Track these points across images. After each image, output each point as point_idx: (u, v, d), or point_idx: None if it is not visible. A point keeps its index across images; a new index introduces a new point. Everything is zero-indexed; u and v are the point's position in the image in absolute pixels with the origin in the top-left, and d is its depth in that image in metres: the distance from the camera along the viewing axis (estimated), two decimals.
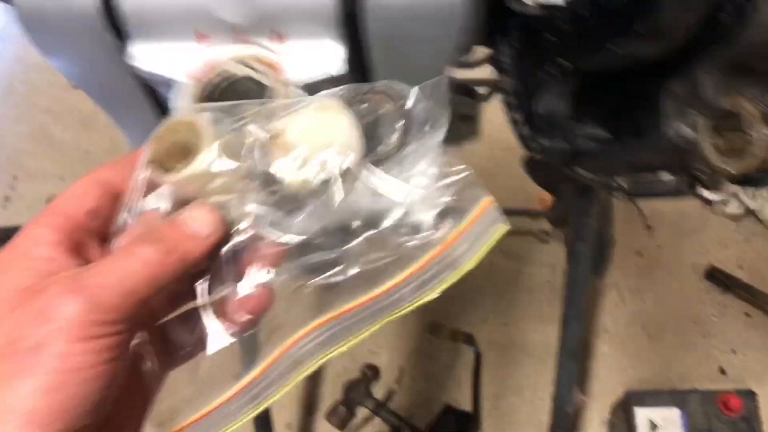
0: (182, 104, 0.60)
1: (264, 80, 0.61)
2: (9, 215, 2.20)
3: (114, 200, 0.48)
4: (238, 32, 0.61)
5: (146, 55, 0.62)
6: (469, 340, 1.88)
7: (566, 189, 1.04)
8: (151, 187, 0.48)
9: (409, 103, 0.54)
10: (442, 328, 1.89)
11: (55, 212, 0.47)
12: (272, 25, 0.60)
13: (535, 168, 0.95)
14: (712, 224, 1.98)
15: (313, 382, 1.90)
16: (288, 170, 0.50)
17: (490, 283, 1.97)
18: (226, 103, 0.53)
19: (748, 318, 1.86)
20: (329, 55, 0.62)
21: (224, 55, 0.62)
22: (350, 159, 0.50)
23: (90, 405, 0.40)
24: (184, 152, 0.49)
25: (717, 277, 1.88)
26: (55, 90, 2.41)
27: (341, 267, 0.51)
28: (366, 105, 0.55)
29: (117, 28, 0.62)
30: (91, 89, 0.69)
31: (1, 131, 2.35)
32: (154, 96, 0.69)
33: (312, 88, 0.62)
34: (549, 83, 0.71)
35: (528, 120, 0.76)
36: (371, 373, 1.91)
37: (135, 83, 0.66)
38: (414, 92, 0.54)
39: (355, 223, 0.51)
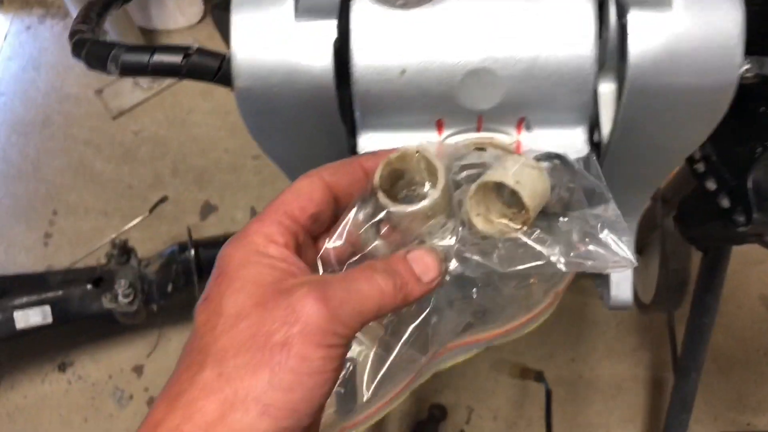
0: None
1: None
2: (49, 253, 2.14)
3: (333, 205, 0.49)
4: (481, 121, 0.58)
5: (376, 145, 0.59)
6: (539, 377, 1.85)
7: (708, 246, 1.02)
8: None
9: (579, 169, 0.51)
10: (511, 366, 1.86)
11: (282, 212, 0.47)
12: (522, 113, 0.57)
13: (690, 224, 0.92)
14: None
15: (379, 423, 1.85)
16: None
17: (555, 316, 1.94)
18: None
19: None
20: (572, 141, 0.59)
21: (460, 142, 0.59)
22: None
23: (313, 408, 0.41)
24: (393, 179, 0.50)
25: None
26: (93, 121, 2.35)
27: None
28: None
29: (346, 108, 0.58)
30: (295, 172, 0.65)
31: (38, 164, 2.29)
32: None
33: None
34: (765, 158, 0.68)
35: (731, 192, 0.73)
36: (439, 413, 1.88)
37: None
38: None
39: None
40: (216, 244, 1.79)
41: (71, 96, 2.41)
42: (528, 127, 0.58)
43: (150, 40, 2.45)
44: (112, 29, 2.18)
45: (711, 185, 0.75)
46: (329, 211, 0.49)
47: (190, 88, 2.40)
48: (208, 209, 2.17)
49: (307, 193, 0.49)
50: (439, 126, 0.58)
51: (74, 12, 2.36)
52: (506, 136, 0.58)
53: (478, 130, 0.58)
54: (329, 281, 0.44)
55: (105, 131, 2.33)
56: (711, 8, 0.53)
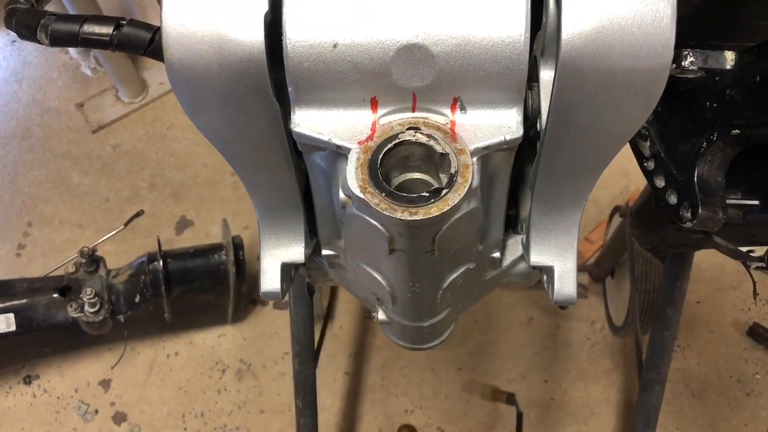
0: (350, 169, 0.57)
1: (436, 146, 0.57)
2: (21, 264, 2.12)
3: None
4: (415, 100, 0.57)
5: (311, 122, 0.58)
6: (511, 399, 1.83)
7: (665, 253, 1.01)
8: None
9: None
10: (483, 387, 1.84)
11: None
12: (456, 93, 0.56)
13: (645, 230, 0.91)
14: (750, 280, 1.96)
15: None
16: None
17: (529, 338, 1.93)
18: None
19: None
20: (506, 122, 0.58)
21: (395, 121, 0.58)
22: None
23: None
24: None
25: (760, 334, 1.85)
26: (73, 134, 2.34)
27: None
28: None
29: (282, 90, 0.58)
30: (231, 151, 0.64)
31: (15, 176, 2.28)
32: (300, 159, 0.65)
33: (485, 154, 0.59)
34: (710, 153, 0.68)
35: (678, 188, 0.72)
36: None
37: (286, 147, 0.62)
38: None
39: None
40: (185, 256, 1.78)
41: (52, 109, 2.41)
42: (462, 108, 0.57)
43: (134, 57, 2.45)
44: None
45: (660, 182, 0.75)
46: None
47: (172, 103, 2.40)
48: (183, 224, 2.16)
49: None
50: (374, 104, 0.58)
51: None
52: (441, 117, 0.58)
53: (412, 109, 0.58)
54: None
55: (84, 144, 2.33)
56: None
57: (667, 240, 0.91)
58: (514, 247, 0.79)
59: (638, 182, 2.12)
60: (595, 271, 1.87)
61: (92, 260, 1.69)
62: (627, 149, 0.70)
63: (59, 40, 0.58)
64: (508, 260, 0.79)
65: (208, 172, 2.24)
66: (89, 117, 2.36)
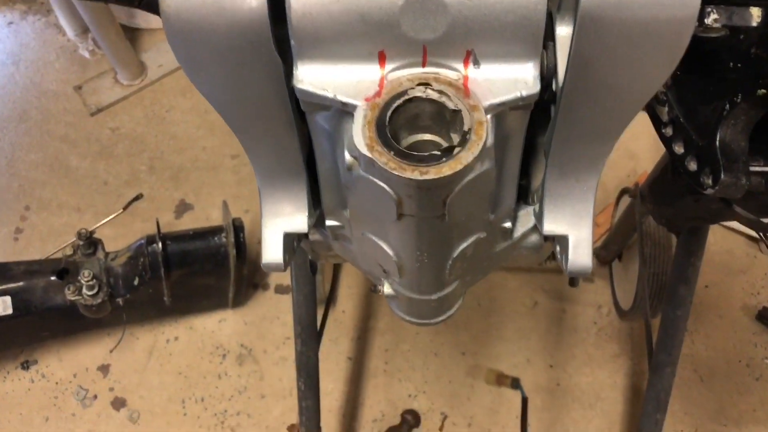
0: (356, 127, 0.53)
1: (449, 103, 0.54)
2: (19, 248, 2.09)
3: None
4: (426, 53, 0.54)
5: (315, 78, 0.55)
6: (516, 384, 1.80)
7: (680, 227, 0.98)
8: None
9: None
10: (487, 372, 1.81)
11: None
12: (469, 45, 0.53)
13: (661, 203, 0.88)
14: (761, 263, 1.93)
15: (349, 427, 1.80)
16: None
17: (534, 322, 1.90)
18: None
19: None
20: (522, 77, 0.55)
21: (404, 77, 0.55)
22: None
23: None
24: None
25: None
26: (71, 117, 2.31)
27: None
28: None
29: (285, 47, 0.55)
30: (231, 112, 0.60)
31: (13, 160, 2.24)
32: (303, 122, 0.62)
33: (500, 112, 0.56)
34: (733, 116, 0.65)
35: (698, 154, 0.69)
36: (412, 419, 1.82)
37: (288, 108, 0.59)
38: None
39: None
40: (185, 238, 1.74)
41: (50, 92, 2.37)
42: (475, 62, 0.54)
43: (133, 38, 2.42)
44: (92, 26, 2.15)
45: (679, 149, 0.72)
46: None
47: (171, 85, 2.37)
48: (183, 207, 2.13)
49: None
50: (382, 58, 0.54)
51: (57, 8, 2.33)
52: (452, 71, 0.55)
53: (423, 64, 0.55)
54: None
55: (82, 128, 2.29)
56: None
57: (683, 212, 0.87)
58: (526, 218, 0.76)
59: (645, 165, 2.09)
60: (602, 255, 1.84)
61: (90, 242, 1.66)
62: (636, 126, 0.66)
63: None
64: (519, 231, 0.76)
65: (207, 156, 2.21)
66: (87, 100, 2.32)
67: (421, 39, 0.53)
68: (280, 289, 1.98)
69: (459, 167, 0.51)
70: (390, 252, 0.67)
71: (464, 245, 0.67)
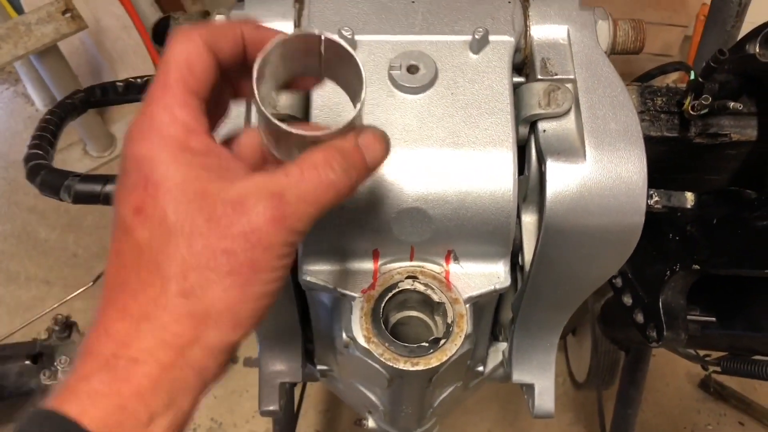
0: (354, 317, 0.62)
1: (433, 296, 0.63)
2: None
3: (218, 70, 0.46)
4: (413, 252, 0.63)
5: (318, 271, 0.63)
6: None
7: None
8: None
9: None
10: None
11: (183, 90, 0.43)
12: (450, 246, 0.62)
13: (612, 328, 0.98)
14: None
15: None
16: None
17: (494, 393, 1.99)
18: None
19: (742, 427, 1.93)
20: (496, 272, 0.64)
21: (395, 269, 0.64)
22: None
23: (267, 310, 0.45)
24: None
25: (712, 387, 1.94)
26: None
27: None
28: None
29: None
30: None
31: None
32: (303, 306, 0.70)
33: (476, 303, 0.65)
34: (673, 280, 0.75)
35: (644, 309, 0.79)
36: None
37: (290, 291, 0.67)
38: None
39: None
40: None
41: (17, 162, 2.39)
42: (456, 259, 0.63)
43: (102, 110, 2.46)
44: (60, 97, 2.19)
45: (627, 300, 0.82)
46: (216, 76, 0.46)
47: None
48: None
49: (198, 63, 0.44)
50: (376, 255, 0.63)
51: (26, 78, 2.37)
52: (436, 266, 0.64)
53: (411, 259, 0.64)
54: (282, 191, 0.42)
55: (51, 200, 2.31)
56: (619, 162, 0.59)
57: (631, 339, 0.98)
58: (495, 355, 0.85)
59: None
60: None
61: (66, 326, 1.69)
62: None
63: (82, 200, 0.62)
64: (489, 367, 0.85)
65: None
66: None
67: (409, 242, 0.62)
68: (249, 362, 2.03)
69: (444, 358, 0.59)
70: (377, 402, 0.75)
71: (443, 396, 0.76)
